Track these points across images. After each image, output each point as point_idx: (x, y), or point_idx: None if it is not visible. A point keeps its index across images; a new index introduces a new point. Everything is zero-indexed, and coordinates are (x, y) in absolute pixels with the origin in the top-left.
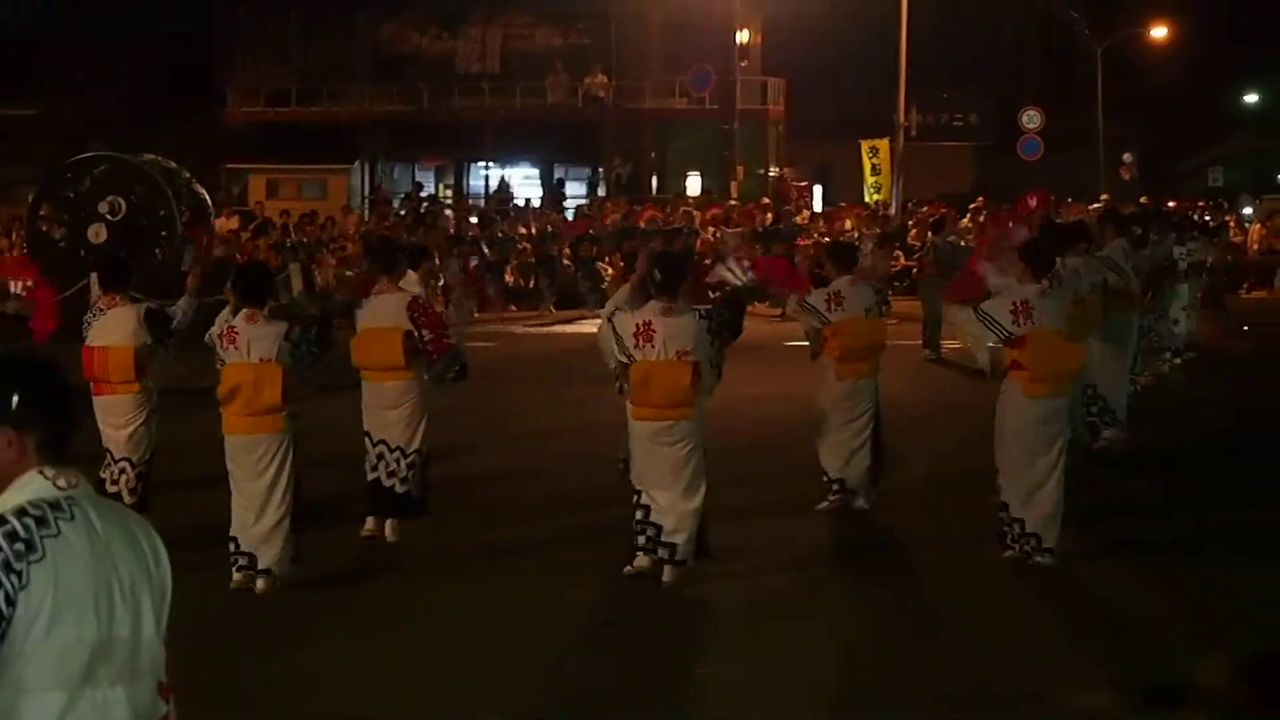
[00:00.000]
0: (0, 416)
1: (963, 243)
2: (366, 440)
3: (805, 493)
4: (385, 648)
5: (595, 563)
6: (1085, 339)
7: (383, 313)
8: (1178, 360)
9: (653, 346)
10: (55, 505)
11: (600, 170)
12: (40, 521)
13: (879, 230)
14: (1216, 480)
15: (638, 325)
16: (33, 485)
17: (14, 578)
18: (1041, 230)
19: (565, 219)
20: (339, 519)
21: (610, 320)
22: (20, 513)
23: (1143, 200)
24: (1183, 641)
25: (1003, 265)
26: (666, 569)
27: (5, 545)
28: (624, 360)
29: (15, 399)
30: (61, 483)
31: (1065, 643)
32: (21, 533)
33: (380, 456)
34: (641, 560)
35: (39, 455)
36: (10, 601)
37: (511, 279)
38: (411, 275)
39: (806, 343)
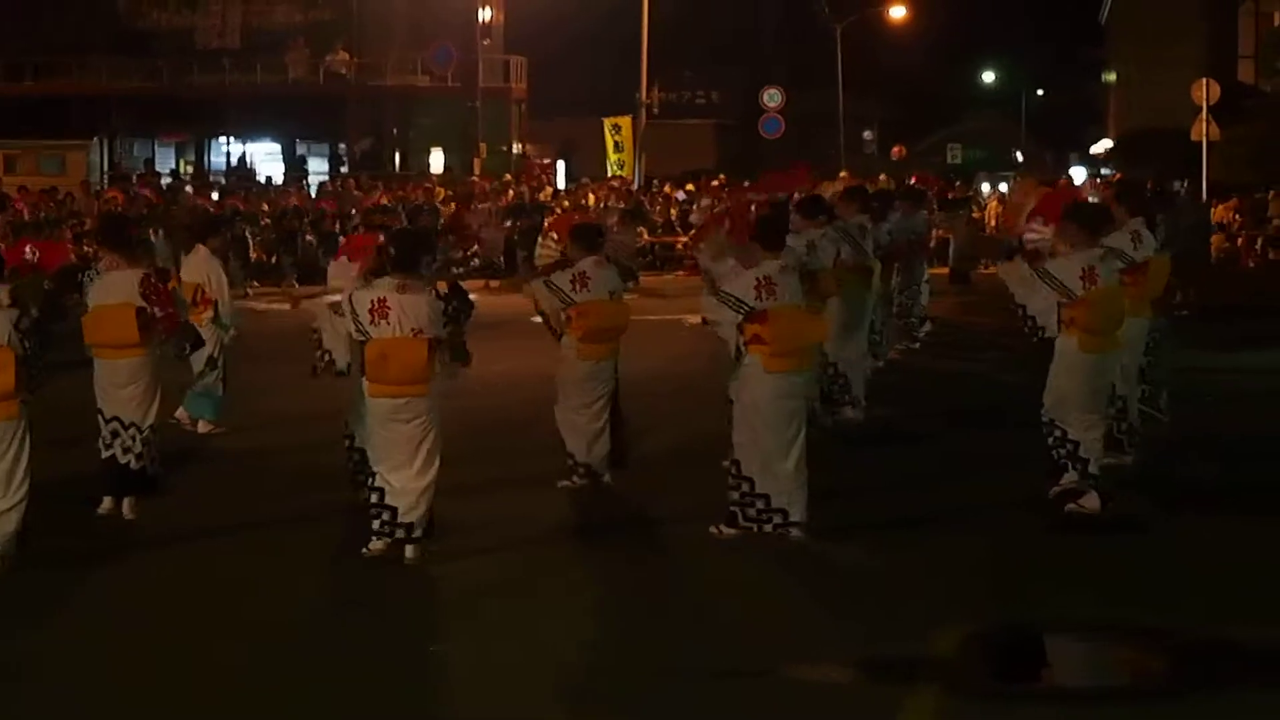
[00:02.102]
0: None
1: None
2: (99, 418)
3: (547, 469)
4: (112, 627)
5: (337, 542)
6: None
7: (115, 289)
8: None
9: (388, 323)
10: None
11: (342, 146)
12: None
13: (623, 205)
14: (950, 455)
15: (373, 302)
16: None
17: None
18: (773, 206)
19: (309, 196)
20: (75, 498)
21: (350, 299)
22: None
23: (881, 178)
24: (917, 616)
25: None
26: (407, 548)
27: None
28: (360, 339)
29: None
30: None
31: (800, 617)
32: None
33: (115, 434)
34: (377, 544)
35: None
36: None
37: (255, 255)
38: (203, 249)
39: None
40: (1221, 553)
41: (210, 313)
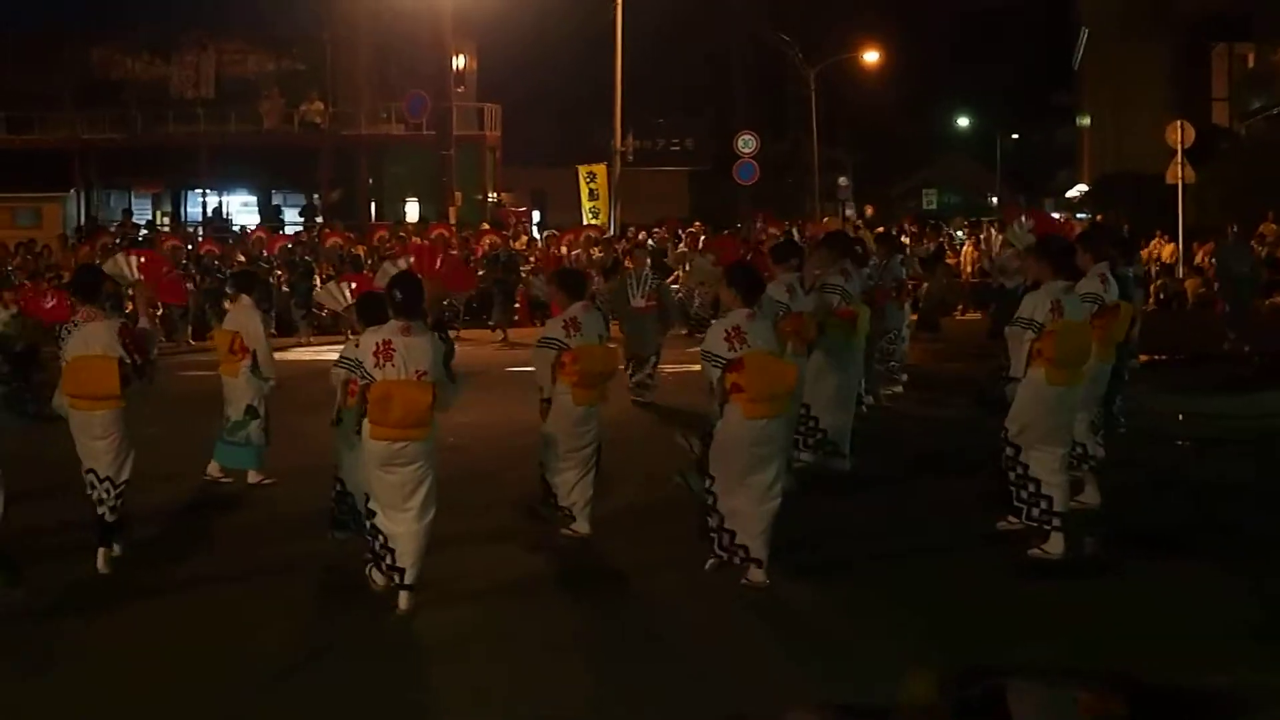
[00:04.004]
0: None
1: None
2: (82, 469)
3: (520, 520)
4: (71, 684)
5: (309, 591)
6: (802, 355)
7: (94, 340)
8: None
9: (393, 365)
10: None
11: (316, 196)
12: None
13: (602, 254)
14: (917, 501)
15: (377, 345)
16: None
17: None
18: (754, 256)
19: (267, 233)
20: (47, 550)
21: (356, 343)
22: None
23: (858, 222)
24: (883, 662)
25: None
26: (401, 595)
27: None
28: (363, 381)
29: None
30: None
31: (775, 662)
32: None
33: (91, 486)
34: (380, 577)
35: None
36: None
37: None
38: (245, 299)
39: (529, 369)
40: (1187, 597)
41: (249, 361)
